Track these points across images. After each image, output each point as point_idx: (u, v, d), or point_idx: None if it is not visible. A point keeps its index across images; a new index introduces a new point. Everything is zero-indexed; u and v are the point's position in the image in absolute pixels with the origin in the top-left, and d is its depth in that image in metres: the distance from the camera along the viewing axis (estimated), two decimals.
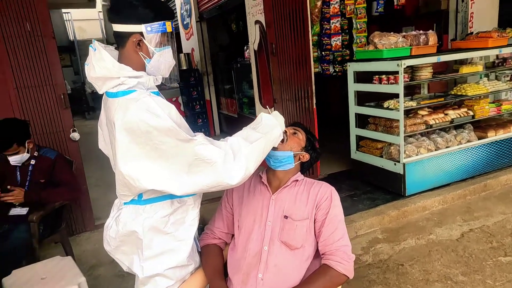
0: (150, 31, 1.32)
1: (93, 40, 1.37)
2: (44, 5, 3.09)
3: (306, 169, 1.69)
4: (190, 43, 7.26)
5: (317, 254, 1.55)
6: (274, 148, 1.57)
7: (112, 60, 1.29)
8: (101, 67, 1.29)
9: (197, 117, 6.71)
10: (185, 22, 7.48)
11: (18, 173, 2.54)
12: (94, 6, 9.71)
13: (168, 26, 1.35)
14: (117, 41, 1.35)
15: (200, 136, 1.31)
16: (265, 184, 1.62)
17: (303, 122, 4.04)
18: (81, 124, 10.19)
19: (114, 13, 1.31)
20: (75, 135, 3.23)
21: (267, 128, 1.41)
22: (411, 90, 4.49)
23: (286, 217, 1.52)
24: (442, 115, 3.76)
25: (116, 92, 1.32)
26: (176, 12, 7.95)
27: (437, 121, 3.66)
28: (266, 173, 1.66)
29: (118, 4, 1.31)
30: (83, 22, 15.92)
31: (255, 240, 1.53)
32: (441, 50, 4.66)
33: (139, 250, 1.45)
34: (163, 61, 1.39)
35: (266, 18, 3.84)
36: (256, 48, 4.27)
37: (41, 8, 3.08)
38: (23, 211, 2.45)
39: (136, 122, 1.24)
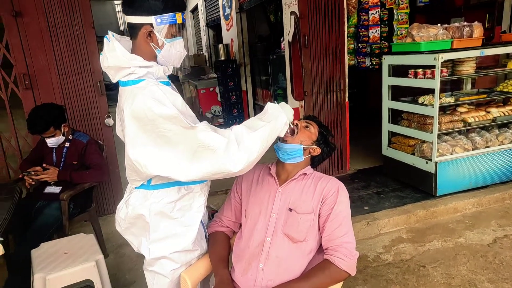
0: (160, 23, 1.35)
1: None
2: None
3: (317, 163, 1.67)
4: (230, 34, 7.32)
5: (321, 249, 1.54)
6: (283, 141, 1.57)
7: (123, 50, 1.35)
8: (113, 57, 1.35)
9: (233, 107, 6.79)
10: (226, 13, 7.54)
11: (54, 154, 2.73)
12: None
13: (178, 17, 1.38)
14: (130, 32, 1.41)
15: (203, 124, 1.34)
16: (273, 176, 1.62)
17: (334, 116, 4.00)
18: None
19: (127, 5, 1.36)
20: (109, 121, 3.40)
21: (272, 117, 1.41)
22: (454, 86, 4.26)
23: (290, 209, 1.53)
24: (484, 113, 3.53)
25: (127, 81, 1.38)
26: (218, 3, 8.05)
27: (477, 119, 3.44)
28: (276, 165, 1.66)
29: None
30: None
31: (259, 231, 1.55)
32: (490, 43, 4.35)
33: (146, 232, 1.52)
34: (173, 52, 1.43)
35: (300, 8, 3.79)
36: (290, 40, 4.23)
37: None
38: (57, 189, 2.63)
39: (143, 109, 1.28)
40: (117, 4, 15.81)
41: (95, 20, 3.36)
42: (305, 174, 1.60)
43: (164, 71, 1.45)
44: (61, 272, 1.84)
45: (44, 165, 2.60)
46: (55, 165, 2.69)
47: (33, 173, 2.55)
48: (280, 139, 1.58)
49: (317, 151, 1.61)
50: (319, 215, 1.51)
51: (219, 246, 1.64)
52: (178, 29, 1.42)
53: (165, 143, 1.31)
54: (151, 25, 1.36)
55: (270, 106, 1.46)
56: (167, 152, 1.32)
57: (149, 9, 1.33)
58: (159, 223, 1.50)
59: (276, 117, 1.42)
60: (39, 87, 3.25)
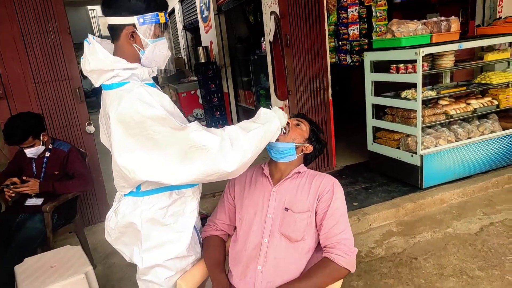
0: (142, 23, 1.31)
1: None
2: (60, 1, 3.16)
3: (310, 161, 1.66)
4: (209, 36, 7.28)
5: (319, 248, 1.52)
6: (276, 140, 1.54)
7: (105, 53, 1.30)
8: (95, 60, 1.30)
9: (215, 109, 6.74)
10: (204, 16, 7.49)
11: (34, 165, 2.62)
12: None
13: (161, 17, 1.34)
14: (112, 34, 1.36)
15: (194, 123, 1.30)
16: (266, 176, 1.60)
17: (318, 114, 4.01)
18: None
19: (107, 6, 1.31)
20: (90, 128, 3.30)
21: (266, 120, 1.40)
22: (433, 79, 4.33)
23: (286, 209, 1.51)
24: (464, 104, 3.60)
25: (111, 84, 1.33)
26: (195, 6, 7.99)
27: (458, 111, 3.51)
28: (268, 165, 1.64)
29: None
30: None
31: (255, 232, 1.52)
32: (465, 37, 4.45)
33: (138, 241, 1.46)
34: (157, 53, 1.39)
35: (280, 8, 3.79)
36: (271, 40, 4.22)
37: (57, 4, 3.15)
38: (38, 201, 2.53)
39: (129, 112, 1.24)
40: (91, 10, 15.49)
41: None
42: (299, 172, 1.58)
43: (149, 72, 1.40)
44: (49, 286, 1.76)
45: (24, 177, 2.49)
46: (35, 176, 2.59)
47: (11, 186, 2.45)
48: None
49: (309, 148, 1.60)
50: (315, 213, 1.49)
51: (214, 250, 1.60)
52: (161, 29, 1.37)
53: (154, 146, 1.25)
54: (134, 25, 1.31)
55: (263, 111, 1.44)
56: (156, 155, 1.26)
57: (130, 9, 1.29)
58: (151, 231, 1.45)
59: (271, 121, 1.40)
60: (14, 96, 3.13)
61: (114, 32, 1.34)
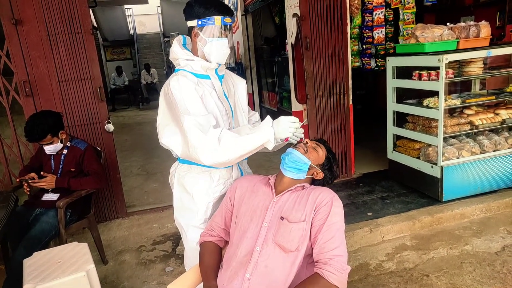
0: (200, 25, 1.64)
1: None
2: (84, 2, 3.26)
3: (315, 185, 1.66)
4: (236, 37, 7.30)
5: (311, 260, 1.49)
6: (295, 147, 1.63)
7: (177, 47, 1.71)
8: (171, 52, 1.74)
9: None
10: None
11: (52, 161, 2.73)
12: (146, 2, 10.28)
13: (217, 20, 1.62)
14: (189, 34, 1.73)
15: (193, 119, 1.53)
16: (271, 186, 1.61)
17: (337, 119, 3.93)
18: (136, 114, 10.71)
19: (184, 12, 1.69)
20: (109, 127, 3.39)
21: (259, 130, 1.55)
22: (462, 87, 4.13)
23: (282, 218, 1.50)
24: (492, 115, 3.41)
25: (176, 69, 1.74)
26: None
27: (485, 122, 3.33)
28: (276, 177, 1.66)
29: (187, 6, 1.68)
30: (143, 17, 16.71)
31: (249, 239, 1.52)
32: (499, 42, 4.23)
33: None
34: (215, 49, 1.65)
35: (301, 10, 3.74)
36: (293, 42, 4.19)
37: (81, 5, 3.25)
38: (54, 197, 2.63)
39: (168, 88, 1.63)
40: (127, 8, 15.93)
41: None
42: (303, 186, 1.59)
43: (203, 66, 1.66)
44: (51, 282, 1.82)
45: (42, 173, 2.60)
46: (53, 172, 2.69)
47: (30, 181, 2.55)
48: (293, 145, 1.65)
49: (320, 175, 1.63)
50: (311, 225, 1.47)
51: (208, 257, 1.62)
52: (221, 31, 1.64)
53: (172, 116, 1.66)
54: (196, 27, 1.65)
55: (266, 121, 1.58)
56: (172, 124, 1.67)
57: (194, 15, 1.64)
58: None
59: (262, 132, 1.54)
60: (39, 94, 3.26)
61: (190, 32, 1.71)
